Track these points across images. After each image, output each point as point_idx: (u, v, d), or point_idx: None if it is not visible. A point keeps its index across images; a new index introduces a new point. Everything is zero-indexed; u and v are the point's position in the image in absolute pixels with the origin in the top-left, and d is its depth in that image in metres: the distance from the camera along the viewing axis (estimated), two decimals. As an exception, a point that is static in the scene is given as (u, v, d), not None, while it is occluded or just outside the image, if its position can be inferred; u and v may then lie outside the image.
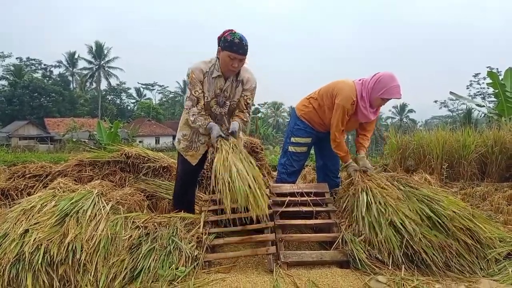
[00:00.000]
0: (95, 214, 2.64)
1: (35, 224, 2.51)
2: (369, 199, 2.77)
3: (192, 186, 3.23)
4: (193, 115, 2.82)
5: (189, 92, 2.85)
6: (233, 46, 2.67)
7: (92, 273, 2.34)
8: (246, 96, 2.95)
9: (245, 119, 2.96)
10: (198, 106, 2.84)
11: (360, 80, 3.16)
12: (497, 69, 24.40)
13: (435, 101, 53.43)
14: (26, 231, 2.47)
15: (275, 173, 4.02)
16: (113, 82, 55.77)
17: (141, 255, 2.44)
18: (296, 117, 3.48)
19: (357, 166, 3.15)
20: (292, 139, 3.44)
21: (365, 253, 2.49)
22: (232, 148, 2.64)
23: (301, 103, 3.50)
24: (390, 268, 2.41)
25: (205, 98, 2.87)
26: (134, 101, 64.19)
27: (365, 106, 3.09)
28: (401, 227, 2.54)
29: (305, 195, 3.00)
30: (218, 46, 2.77)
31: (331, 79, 3.33)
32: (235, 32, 2.72)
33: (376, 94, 3.02)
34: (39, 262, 2.30)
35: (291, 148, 3.44)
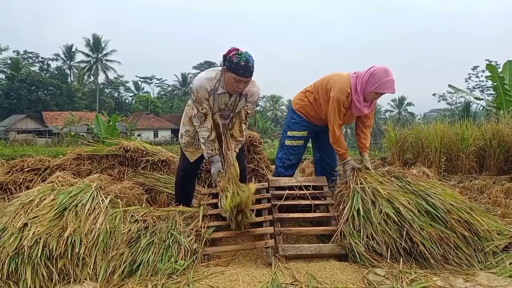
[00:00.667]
0: (94, 208, 2.64)
1: (34, 218, 2.51)
2: (364, 193, 2.78)
3: (192, 178, 3.25)
4: (202, 138, 2.84)
5: (196, 110, 2.80)
6: (239, 69, 2.57)
7: (91, 267, 2.35)
8: (247, 107, 2.94)
9: (241, 137, 3.02)
10: (206, 122, 2.82)
11: (355, 73, 3.14)
12: (496, 62, 24.40)
13: (434, 94, 53.33)
14: (25, 225, 2.47)
15: (273, 167, 4.03)
16: (111, 75, 55.60)
17: (140, 248, 2.45)
18: (292, 111, 3.50)
19: (356, 164, 3.13)
20: (289, 133, 3.45)
21: (363, 246, 2.50)
22: (229, 181, 2.71)
23: (297, 97, 3.51)
24: (388, 261, 2.42)
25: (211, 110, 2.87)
26: (132, 94, 64.02)
27: (359, 99, 3.08)
28: (398, 217, 2.55)
29: (303, 188, 3.01)
30: (223, 64, 2.68)
31: (328, 70, 3.33)
32: (241, 53, 2.60)
33: (370, 88, 3.00)
34: (38, 255, 2.30)
35: (287, 142, 3.45)
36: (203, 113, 2.80)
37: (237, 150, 2.96)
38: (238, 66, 2.57)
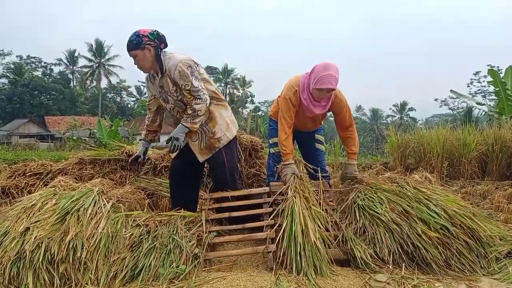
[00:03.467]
0: (96, 212, 2.64)
1: (35, 222, 2.52)
2: (364, 199, 2.78)
3: (179, 181, 3.14)
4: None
5: None
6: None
7: (93, 271, 2.35)
8: (182, 85, 2.81)
9: (195, 112, 2.81)
10: (148, 113, 3.29)
11: (307, 73, 3.11)
12: (498, 67, 24.37)
13: (436, 99, 53.42)
14: (27, 229, 2.47)
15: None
16: (113, 80, 55.73)
17: (141, 253, 2.45)
18: (269, 119, 3.57)
19: (297, 170, 2.99)
20: (270, 141, 3.50)
21: (365, 251, 2.49)
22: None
23: (272, 105, 3.58)
24: (390, 266, 2.41)
25: (157, 98, 3.11)
26: (134, 99, 64.18)
27: (306, 97, 3.03)
28: (400, 223, 2.55)
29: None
30: None
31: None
32: None
33: (312, 85, 2.95)
34: (40, 260, 2.31)
35: (272, 150, 3.48)
36: (147, 103, 3.21)
37: (187, 122, 2.85)
38: None
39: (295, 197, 2.65)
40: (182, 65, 2.78)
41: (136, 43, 2.79)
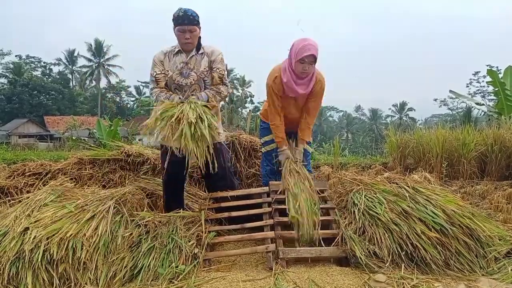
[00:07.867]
0: (97, 213, 2.64)
1: (35, 222, 2.52)
2: (363, 199, 2.78)
3: (177, 178, 3.16)
4: (155, 94, 3.07)
5: (150, 75, 3.10)
6: (178, 19, 2.92)
7: (92, 271, 2.35)
8: (218, 69, 3.09)
9: (220, 91, 3.09)
10: (158, 86, 3.09)
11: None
12: (497, 67, 24.38)
13: (435, 100, 53.23)
14: (26, 229, 2.47)
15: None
16: (113, 80, 55.62)
17: (141, 253, 2.45)
18: (260, 120, 3.62)
19: (290, 154, 3.18)
20: (262, 140, 3.53)
21: (364, 251, 2.49)
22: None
23: (263, 106, 3.63)
24: (389, 266, 2.41)
25: (168, 75, 3.07)
26: (133, 99, 64.05)
27: (288, 78, 3.04)
28: (399, 222, 2.55)
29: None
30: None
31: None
32: (180, 8, 2.94)
33: (294, 59, 2.99)
34: (39, 260, 2.31)
35: (263, 149, 3.51)
36: (154, 77, 3.08)
37: (212, 94, 3.04)
38: (178, 17, 2.92)
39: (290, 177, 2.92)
40: (222, 55, 3.14)
41: (198, 19, 2.98)
